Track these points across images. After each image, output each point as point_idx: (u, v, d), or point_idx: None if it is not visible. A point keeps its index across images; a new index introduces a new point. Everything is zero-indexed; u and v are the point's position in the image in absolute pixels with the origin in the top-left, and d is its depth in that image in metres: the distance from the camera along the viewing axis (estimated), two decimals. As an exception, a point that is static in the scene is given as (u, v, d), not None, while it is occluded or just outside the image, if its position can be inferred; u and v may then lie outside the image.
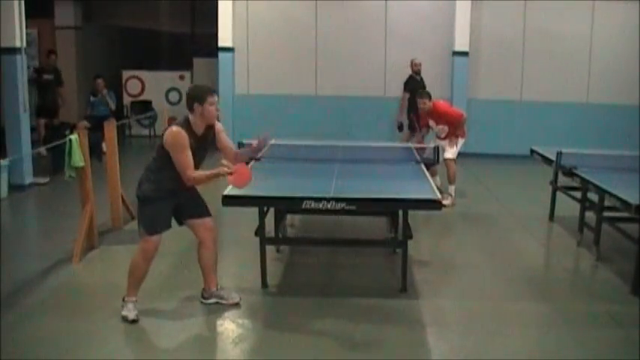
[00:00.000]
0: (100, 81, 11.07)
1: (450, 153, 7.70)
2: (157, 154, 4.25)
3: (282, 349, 4.04)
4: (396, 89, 10.92)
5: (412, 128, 9.79)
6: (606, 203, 5.52)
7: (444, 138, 7.84)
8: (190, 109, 4.19)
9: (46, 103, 10.77)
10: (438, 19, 11.38)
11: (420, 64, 10.35)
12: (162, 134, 4.20)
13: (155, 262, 5.56)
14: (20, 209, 7.81)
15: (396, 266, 5.17)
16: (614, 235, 5.78)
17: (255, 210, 4.85)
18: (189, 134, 4.14)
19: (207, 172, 4.18)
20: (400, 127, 10.30)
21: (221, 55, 11.53)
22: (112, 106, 11.36)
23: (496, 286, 5.24)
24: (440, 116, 7.73)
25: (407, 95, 10.07)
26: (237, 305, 4.58)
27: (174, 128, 4.11)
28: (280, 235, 5.77)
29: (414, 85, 10.01)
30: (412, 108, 9.62)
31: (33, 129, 9.14)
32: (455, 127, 7.74)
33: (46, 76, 10.84)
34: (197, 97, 4.17)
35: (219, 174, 4.10)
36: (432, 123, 7.85)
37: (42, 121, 10.66)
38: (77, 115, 12.20)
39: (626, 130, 10.55)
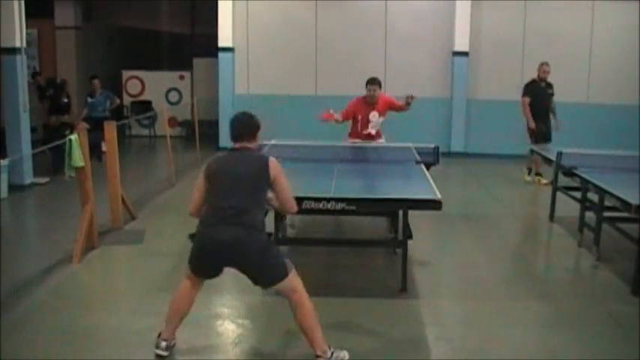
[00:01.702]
0: (96, 82, 11.07)
1: None
2: (256, 190, 3.71)
3: (282, 350, 4.04)
4: (395, 89, 10.88)
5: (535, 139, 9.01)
6: (606, 203, 5.52)
7: (372, 136, 7.02)
8: (254, 136, 3.87)
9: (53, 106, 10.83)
10: (438, 19, 11.38)
11: (548, 72, 9.15)
12: (261, 165, 3.72)
13: (154, 263, 5.60)
14: (20, 209, 7.81)
15: (396, 266, 5.16)
16: (614, 235, 5.78)
17: (255, 210, 4.83)
18: None
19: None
20: (538, 134, 9.02)
21: (221, 55, 11.54)
22: (117, 100, 11.40)
23: (496, 286, 5.24)
24: (385, 104, 6.93)
25: (527, 100, 9.09)
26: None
27: (273, 158, 3.82)
28: (280, 235, 5.77)
29: (537, 92, 9.11)
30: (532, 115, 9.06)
31: (33, 129, 9.16)
32: (403, 105, 6.89)
33: (48, 93, 10.88)
34: (258, 125, 3.91)
35: None
36: (373, 115, 6.89)
37: (53, 118, 10.70)
38: (77, 116, 12.19)
39: (626, 130, 10.55)
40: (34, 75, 11.15)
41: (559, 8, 11.07)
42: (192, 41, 16.35)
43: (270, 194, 3.81)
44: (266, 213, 3.84)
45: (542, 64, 9.18)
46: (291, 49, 11.56)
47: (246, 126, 3.86)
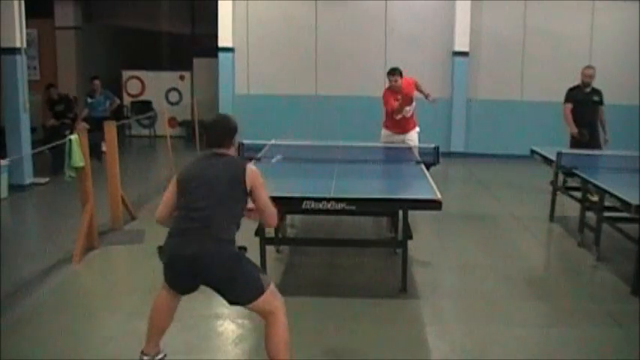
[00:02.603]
0: (97, 82, 11.07)
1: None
2: (229, 199, 3.39)
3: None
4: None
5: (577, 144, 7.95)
6: (606, 203, 5.51)
7: (401, 125, 7.24)
8: (229, 143, 3.54)
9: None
10: (438, 19, 11.39)
11: (591, 76, 8.03)
12: (237, 172, 3.41)
13: (154, 263, 5.57)
14: (20, 209, 7.81)
15: (396, 266, 5.16)
16: (614, 235, 5.79)
17: (255, 210, 4.83)
18: None
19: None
20: (580, 141, 7.88)
21: (221, 55, 11.53)
22: (117, 100, 11.38)
23: (496, 286, 5.24)
24: (410, 86, 7.19)
25: (569, 107, 8.06)
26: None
27: (252, 165, 3.54)
28: (280, 235, 5.77)
29: (578, 98, 8.06)
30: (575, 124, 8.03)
31: (33, 129, 9.16)
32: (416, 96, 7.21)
33: (57, 108, 10.82)
34: (236, 127, 3.58)
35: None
36: (399, 102, 7.12)
37: (51, 121, 10.67)
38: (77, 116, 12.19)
39: (626, 130, 10.54)
40: (48, 87, 11.07)
41: (559, 8, 11.07)
42: (192, 41, 16.34)
43: (250, 205, 3.54)
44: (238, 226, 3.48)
45: (584, 68, 8.19)
46: (291, 49, 11.55)
47: (225, 132, 3.54)
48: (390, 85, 7.21)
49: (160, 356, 3.70)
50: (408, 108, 7.20)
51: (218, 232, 3.31)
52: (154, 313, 3.64)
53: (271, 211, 3.55)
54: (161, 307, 3.62)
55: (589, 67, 8.18)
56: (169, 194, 3.51)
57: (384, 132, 7.40)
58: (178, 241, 3.34)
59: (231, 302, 3.44)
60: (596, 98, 8.10)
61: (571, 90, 8.21)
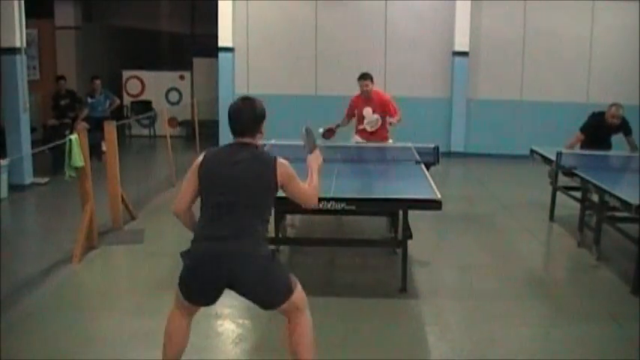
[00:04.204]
0: (97, 82, 11.07)
1: None
2: (258, 198, 3.16)
3: (282, 349, 4.03)
4: (395, 89, 10.90)
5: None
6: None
7: (371, 135, 7.04)
8: (258, 130, 3.30)
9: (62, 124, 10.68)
10: (438, 19, 11.39)
11: (616, 117, 7.14)
12: (266, 169, 3.18)
13: (154, 264, 5.60)
14: (20, 209, 7.81)
15: (396, 266, 5.17)
16: (614, 235, 5.78)
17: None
18: None
19: (314, 177, 3.57)
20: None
21: (221, 55, 11.54)
22: (117, 100, 11.38)
23: (496, 286, 5.23)
24: (381, 104, 6.89)
25: (580, 136, 7.34)
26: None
27: (281, 159, 3.28)
28: (280, 235, 5.77)
29: (599, 127, 7.24)
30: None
31: (33, 129, 9.15)
32: (386, 120, 6.83)
33: (62, 102, 10.82)
34: (262, 113, 3.32)
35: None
36: (367, 111, 6.91)
37: (51, 121, 10.66)
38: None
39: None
40: (58, 78, 11.07)
41: (559, 8, 11.08)
42: (193, 41, 16.36)
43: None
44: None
45: (610, 106, 7.22)
46: (291, 49, 11.56)
47: (249, 118, 3.22)
48: (361, 90, 6.94)
49: None
50: (367, 120, 6.94)
51: (250, 232, 3.11)
52: (171, 339, 3.25)
53: (311, 194, 3.41)
54: (177, 331, 3.26)
55: (616, 105, 7.20)
56: (189, 186, 3.24)
57: (357, 138, 7.17)
58: (208, 244, 3.09)
59: (262, 306, 3.26)
60: (617, 129, 7.32)
61: (594, 116, 7.38)
